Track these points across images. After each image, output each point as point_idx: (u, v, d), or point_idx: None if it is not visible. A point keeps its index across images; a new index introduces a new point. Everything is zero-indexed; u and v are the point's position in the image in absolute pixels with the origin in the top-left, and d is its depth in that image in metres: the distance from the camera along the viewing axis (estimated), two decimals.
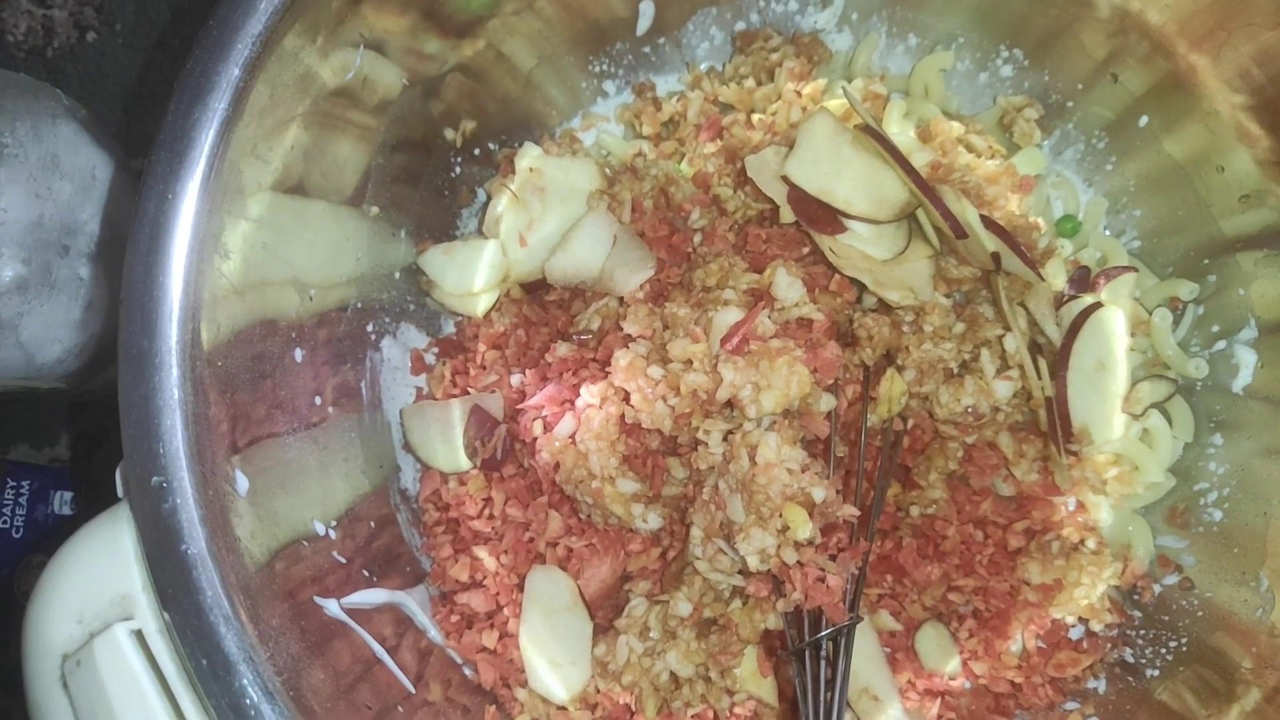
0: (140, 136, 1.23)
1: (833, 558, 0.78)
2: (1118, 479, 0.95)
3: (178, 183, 0.68)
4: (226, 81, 0.70)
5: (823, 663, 0.77)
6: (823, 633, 0.77)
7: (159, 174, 0.69)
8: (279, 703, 0.64)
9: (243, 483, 0.72)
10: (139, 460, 0.65)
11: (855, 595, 0.81)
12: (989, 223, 0.89)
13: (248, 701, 0.63)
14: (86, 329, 1.00)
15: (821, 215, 0.90)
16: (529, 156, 1.01)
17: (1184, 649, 0.90)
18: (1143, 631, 0.94)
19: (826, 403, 0.83)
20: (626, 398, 0.85)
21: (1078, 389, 0.93)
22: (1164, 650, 0.91)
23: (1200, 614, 0.90)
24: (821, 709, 0.74)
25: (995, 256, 0.88)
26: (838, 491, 0.80)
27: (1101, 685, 0.93)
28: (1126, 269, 0.99)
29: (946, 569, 0.93)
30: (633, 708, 0.90)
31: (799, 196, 0.90)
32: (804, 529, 0.75)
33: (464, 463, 0.97)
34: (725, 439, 0.81)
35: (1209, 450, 0.96)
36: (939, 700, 0.94)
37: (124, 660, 0.63)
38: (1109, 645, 0.94)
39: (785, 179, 0.90)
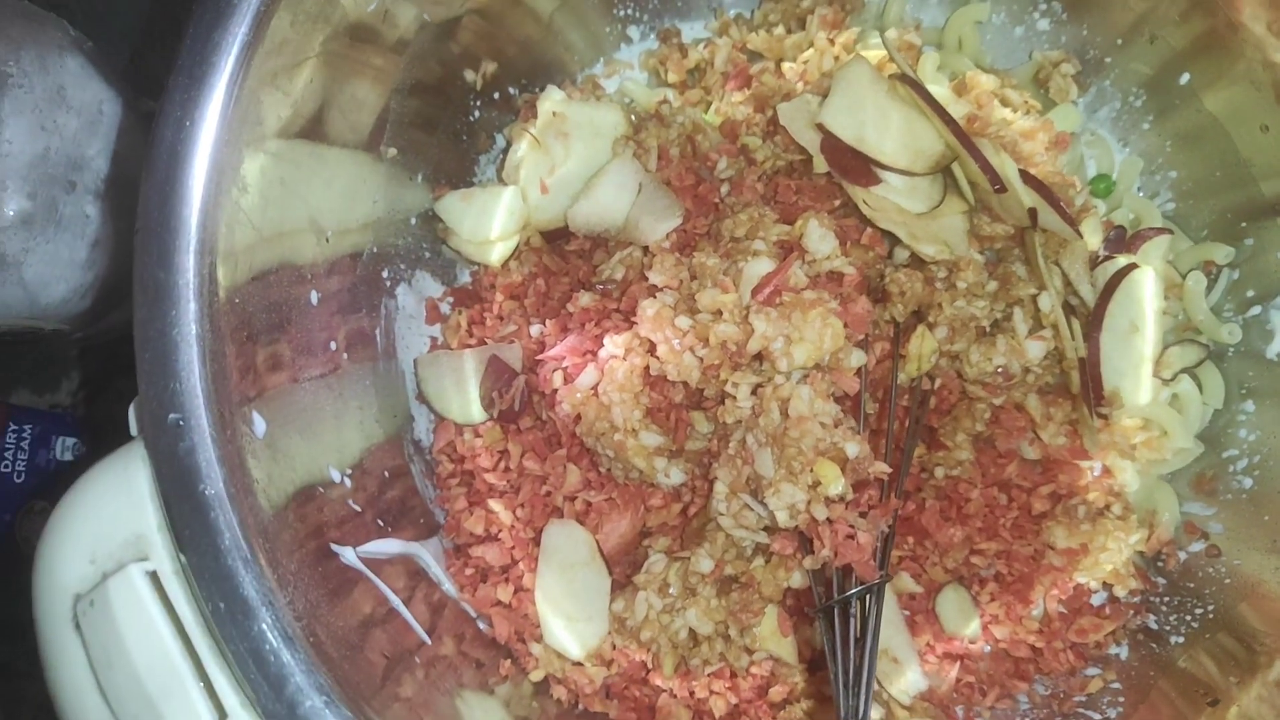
0: (148, 78, 1.19)
1: (863, 515, 0.76)
2: (1146, 444, 0.93)
3: (196, 109, 0.66)
4: (248, 5, 0.67)
5: (851, 621, 0.76)
6: (851, 590, 0.76)
7: (176, 100, 0.66)
8: (298, 648, 0.62)
9: (260, 424, 0.69)
10: (155, 397, 0.63)
11: (884, 553, 0.79)
12: (1026, 177, 0.87)
13: (267, 646, 0.61)
14: (92, 269, 0.98)
15: (855, 166, 0.87)
16: (552, 100, 0.98)
17: (1210, 616, 0.89)
18: (1167, 598, 0.92)
19: (856, 358, 0.81)
20: (652, 349, 0.83)
21: (1110, 351, 0.91)
22: (1189, 618, 0.90)
23: (1227, 581, 0.89)
24: (851, 667, 0.72)
25: (1032, 212, 0.86)
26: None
27: (1124, 651, 0.92)
28: (1161, 231, 0.97)
29: (969, 532, 0.92)
30: (649, 665, 0.89)
31: (833, 145, 0.87)
32: (836, 484, 0.73)
33: (477, 414, 0.95)
34: (754, 392, 0.79)
35: (1240, 417, 0.94)
36: (958, 664, 0.92)
37: (139, 601, 0.60)
38: (1132, 612, 0.93)
39: (820, 127, 0.87)
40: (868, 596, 0.76)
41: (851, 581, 0.77)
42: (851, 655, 0.73)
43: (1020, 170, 0.87)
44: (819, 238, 0.83)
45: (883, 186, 0.87)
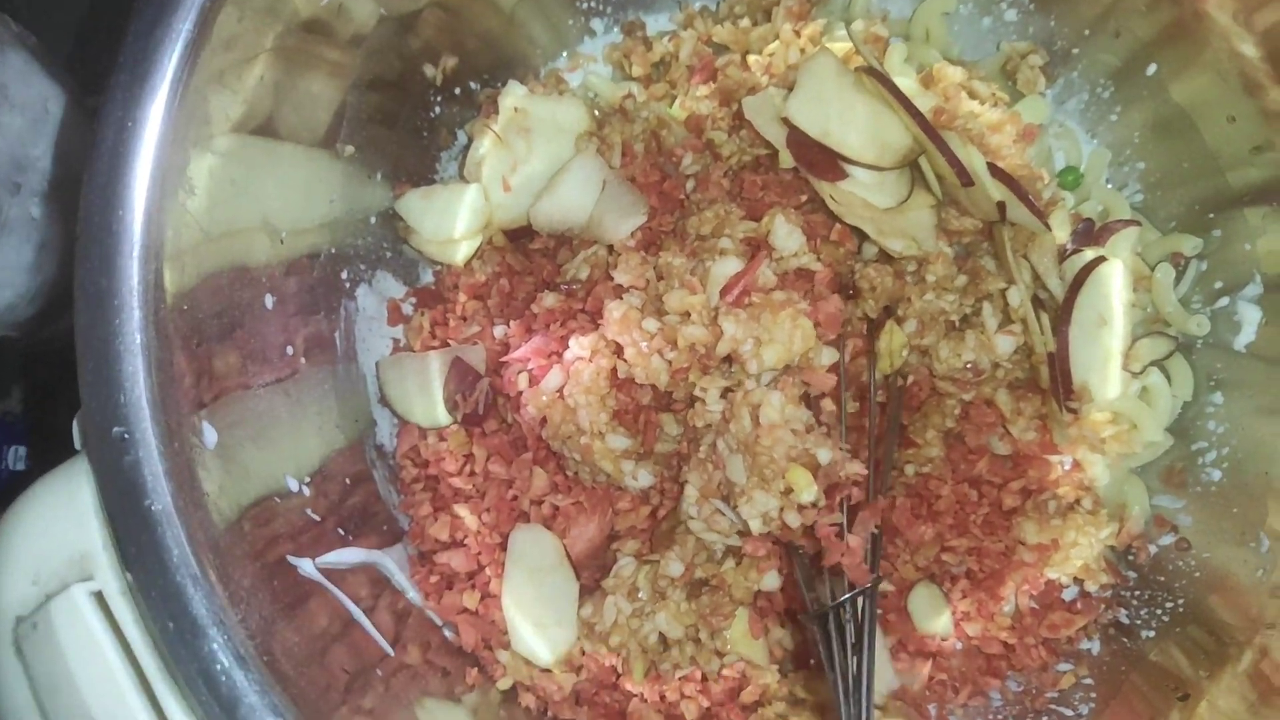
0: (94, 70, 1.15)
1: (840, 519, 0.75)
2: (1115, 438, 0.93)
3: (138, 109, 0.63)
4: (192, 0, 0.65)
5: (847, 626, 0.74)
6: (844, 595, 0.74)
7: (118, 99, 0.63)
8: (251, 668, 0.60)
9: (210, 435, 0.67)
10: (98, 409, 0.61)
11: (875, 555, 0.78)
12: (995, 170, 0.86)
13: (218, 667, 0.59)
14: (40, 273, 0.95)
15: (822, 160, 0.86)
16: (514, 95, 0.96)
17: (1180, 610, 0.89)
18: (1137, 592, 0.92)
19: (828, 356, 0.80)
20: (619, 351, 0.81)
21: (1079, 345, 0.90)
22: (1159, 611, 0.90)
23: (1197, 575, 0.89)
24: (850, 673, 0.71)
25: (1001, 206, 0.85)
26: (848, 450, 0.76)
27: (1095, 646, 0.92)
28: (1129, 223, 0.96)
29: (940, 529, 0.91)
30: (619, 670, 0.87)
31: (799, 140, 0.86)
32: (808, 491, 0.72)
33: (443, 417, 0.93)
34: (724, 395, 0.78)
35: (1208, 409, 0.94)
36: (930, 661, 0.92)
37: (83, 623, 0.58)
38: (1103, 606, 0.92)
39: (786, 120, 0.86)
40: (861, 599, 0.75)
41: (843, 585, 0.76)
42: (850, 661, 0.72)
43: (988, 164, 0.86)
44: (786, 234, 0.82)
45: (849, 181, 0.85)
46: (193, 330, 0.68)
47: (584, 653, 0.87)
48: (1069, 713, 0.89)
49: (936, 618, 0.91)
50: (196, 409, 0.67)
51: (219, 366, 0.71)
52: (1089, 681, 0.90)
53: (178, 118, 0.65)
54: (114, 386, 0.61)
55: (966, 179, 0.83)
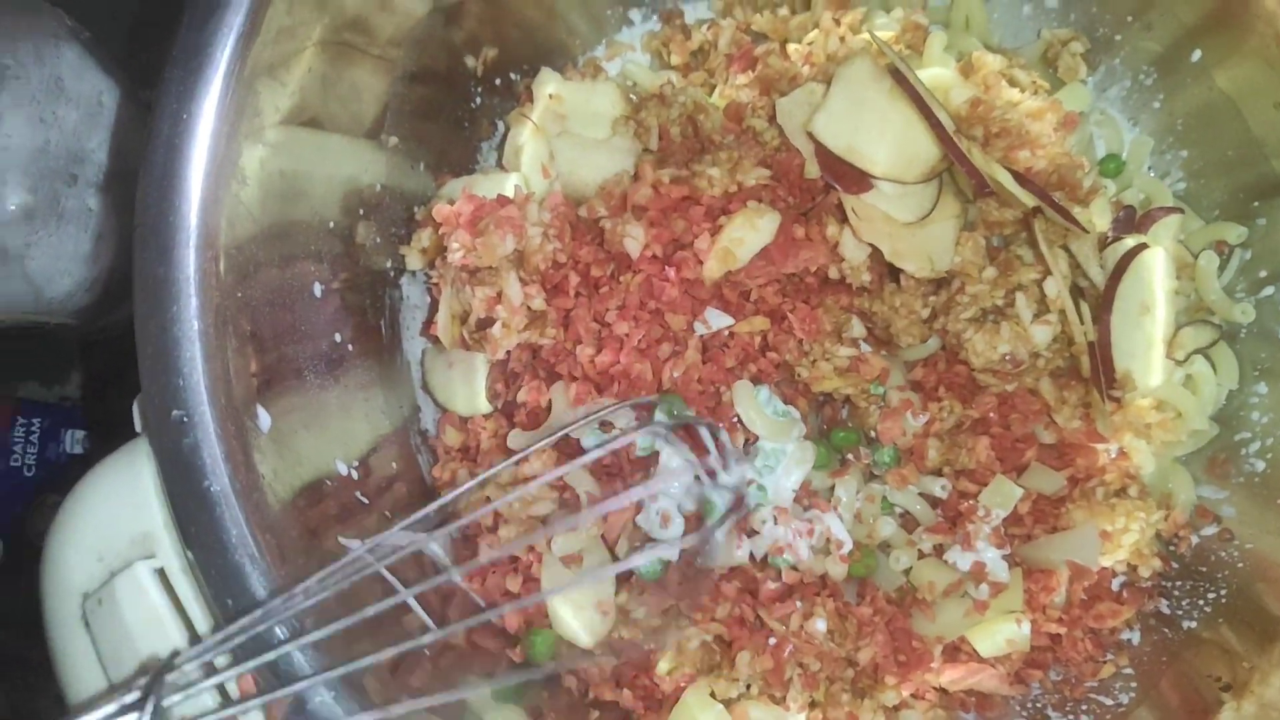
0: (146, 65, 1.18)
1: None
2: (1160, 425, 0.92)
3: (193, 102, 0.65)
4: None
5: None
6: None
7: (173, 93, 0.65)
8: (305, 644, 0.62)
9: (265, 419, 0.69)
10: (158, 394, 0.63)
11: None
12: (1024, 180, 0.86)
13: (274, 642, 0.61)
14: (97, 263, 0.97)
15: (848, 172, 0.86)
16: (548, 83, 0.97)
17: (1222, 601, 0.88)
18: (1179, 582, 0.92)
19: None
20: None
21: (1121, 333, 0.89)
22: (1201, 602, 0.89)
23: (1240, 566, 0.88)
24: None
25: (1036, 209, 0.85)
26: None
27: (1135, 637, 0.91)
28: (1171, 210, 0.95)
29: None
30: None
31: (826, 150, 0.86)
32: None
33: (483, 406, 0.94)
34: None
35: (1252, 399, 0.93)
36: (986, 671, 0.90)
37: (147, 598, 0.61)
38: (1146, 596, 0.92)
39: (811, 135, 0.86)
40: None
41: None
42: None
43: (1017, 173, 0.86)
44: (854, 246, 0.83)
45: (873, 194, 0.85)
46: (246, 318, 0.70)
47: (622, 637, 0.88)
48: (1109, 702, 0.88)
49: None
50: (251, 394, 0.69)
51: (271, 352, 0.73)
52: (1129, 672, 0.89)
53: (230, 110, 0.67)
54: (172, 371, 0.63)
55: (984, 188, 0.83)
